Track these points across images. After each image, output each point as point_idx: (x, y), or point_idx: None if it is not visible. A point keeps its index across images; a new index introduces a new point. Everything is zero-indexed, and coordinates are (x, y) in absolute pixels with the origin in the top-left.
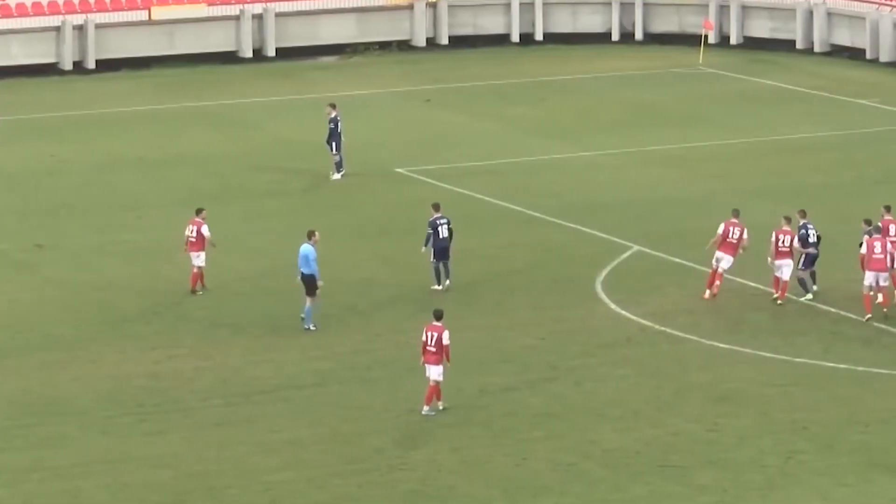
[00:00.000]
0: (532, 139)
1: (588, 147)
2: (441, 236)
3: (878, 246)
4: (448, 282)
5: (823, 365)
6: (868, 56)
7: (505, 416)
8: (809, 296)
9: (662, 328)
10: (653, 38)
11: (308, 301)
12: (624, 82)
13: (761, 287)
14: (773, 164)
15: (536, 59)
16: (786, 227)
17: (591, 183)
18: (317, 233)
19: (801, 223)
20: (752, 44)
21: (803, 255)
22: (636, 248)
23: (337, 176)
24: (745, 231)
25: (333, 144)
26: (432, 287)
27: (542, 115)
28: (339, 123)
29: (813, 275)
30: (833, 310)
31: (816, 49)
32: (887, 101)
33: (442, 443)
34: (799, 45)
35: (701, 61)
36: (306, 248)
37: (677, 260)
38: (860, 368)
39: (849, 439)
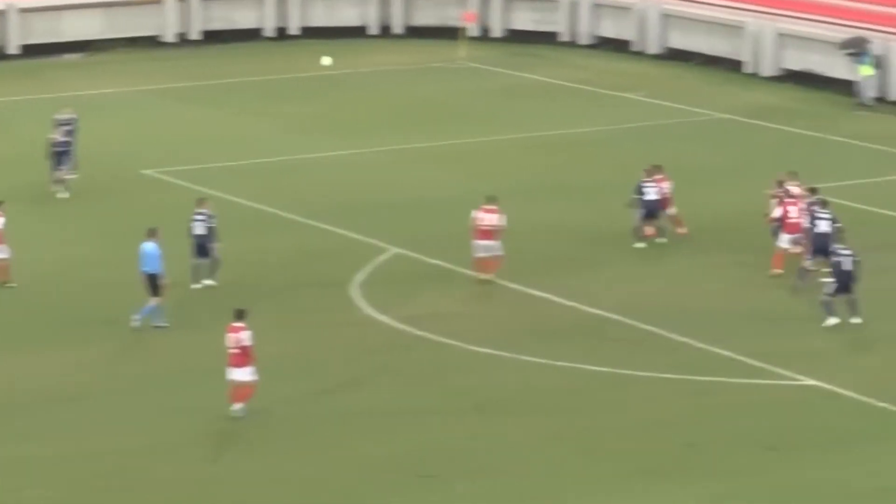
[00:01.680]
0: (288, 137)
1: (347, 145)
2: (195, 232)
3: (792, 210)
4: (210, 281)
5: (585, 368)
6: (634, 48)
7: (257, 427)
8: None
9: (422, 333)
10: (413, 32)
11: (153, 301)
12: (384, 77)
13: (523, 289)
14: (539, 161)
15: (293, 55)
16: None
17: (349, 183)
18: (159, 230)
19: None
20: (516, 36)
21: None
22: (395, 250)
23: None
24: (501, 217)
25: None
26: (192, 286)
27: (300, 112)
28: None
29: None
30: (596, 311)
31: (581, 41)
32: (654, 95)
33: (193, 454)
34: (563, 38)
35: (463, 55)
36: (149, 246)
37: (437, 262)
38: (623, 372)
39: (611, 445)
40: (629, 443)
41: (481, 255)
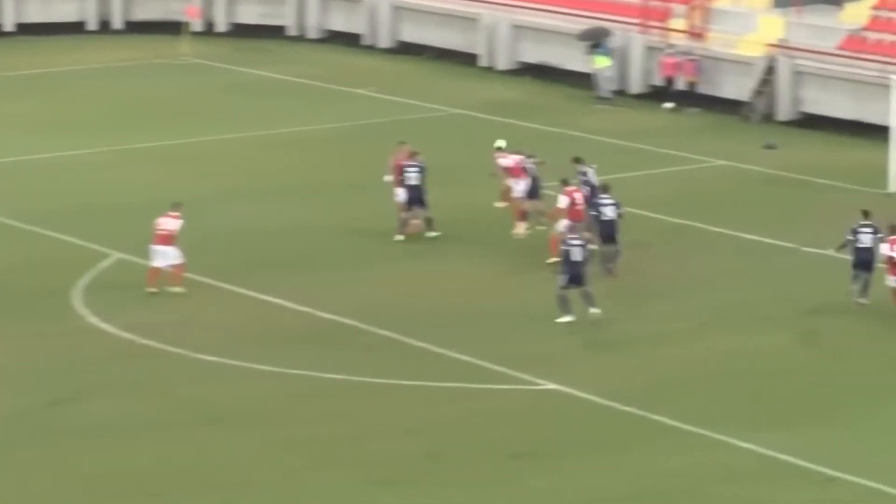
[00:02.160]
0: (4, 139)
1: (66, 146)
2: None
3: (578, 197)
4: None
5: (320, 376)
6: (365, 42)
7: None
8: None
9: (147, 342)
10: (134, 27)
11: None
12: (105, 75)
13: (254, 294)
14: (271, 160)
15: (7, 52)
16: None
17: (70, 186)
18: None
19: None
20: (241, 31)
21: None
22: (118, 255)
23: None
24: (179, 223)
25: None
26: None
27: (17, 112)
28: None
29: None
30: (331, 316)
31: (310, 35)
32: (387, 90)
33: None
34: (291, 32)
35: (186, 51)
36: None
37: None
38: (358, 379)
39: (347, 455)
40: (366, 453)
41: (158, 263)
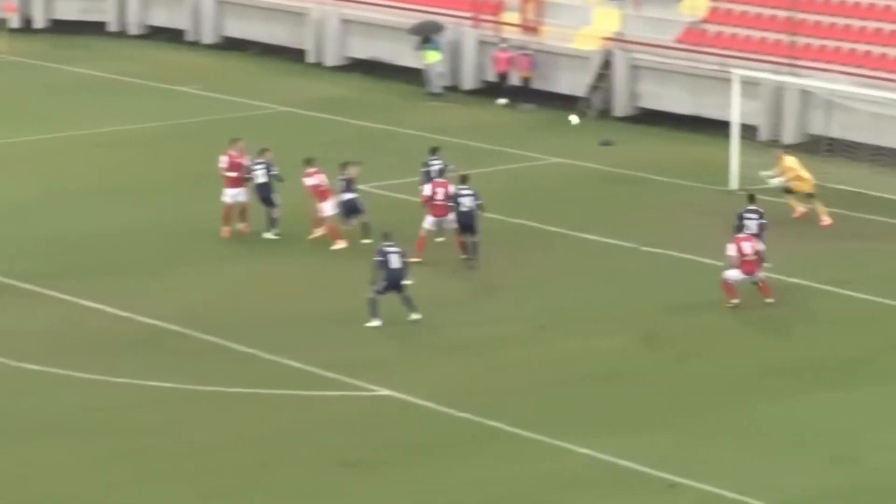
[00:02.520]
0: None
1: None
2: None
3: (440, 192)
4: None
5: (145, 384)
6: (189, 38)
7: None
8: None
9: None
10: None
11: None
12: None
13: (75, 300)
14: (89, 162)
15: None
16: None
17: None
18: None
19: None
20: (61, 27)
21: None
22: None
23: None
24: None
25: None
26: None
27: None
28: None
29: None
30: (156, 322)
31: (132, 31)
32: (211, 87)
33: None
34: (111, 28)
35: (3, 49)
36: None
37: None
38: (185, 386)
39: (174, 467)
40: (195, 464)
41: None
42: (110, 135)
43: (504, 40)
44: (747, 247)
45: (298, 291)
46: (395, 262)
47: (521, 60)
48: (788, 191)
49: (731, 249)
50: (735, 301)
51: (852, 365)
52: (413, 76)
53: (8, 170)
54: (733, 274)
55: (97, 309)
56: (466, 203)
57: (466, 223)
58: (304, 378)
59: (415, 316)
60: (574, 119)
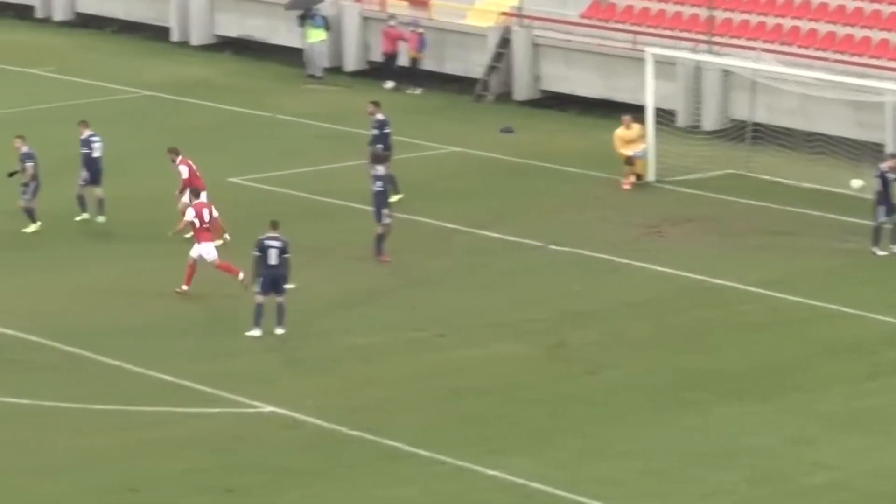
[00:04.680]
0: None
1: None
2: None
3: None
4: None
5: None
6: (39, 15)
7: None
8: None
9: None
10: None
11: None
12: None
13: None
14: None
15: None
16: None
17: None
18: None
19: None
20: None
21: None
22: None
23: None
24: None
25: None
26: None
27: None
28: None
29: None
30: (8, 331)
31: None
32: (65, 70)
33: None
34: None
35: None
36: None
37: None
38: (46, 403)
39: (32, 491)
40: (56, 487)
41: None
42: None
43: (392, 16)
44: None
45: (163, 296)
46: (273, 257)
47: (409, 38)
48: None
49: None
50: None
51: (778, 374)
52: (289, 56)
53: None
54: None
55: None
56: (376, 186)
57: (377, 205)
58: (178, 393)
59: (279, 331)
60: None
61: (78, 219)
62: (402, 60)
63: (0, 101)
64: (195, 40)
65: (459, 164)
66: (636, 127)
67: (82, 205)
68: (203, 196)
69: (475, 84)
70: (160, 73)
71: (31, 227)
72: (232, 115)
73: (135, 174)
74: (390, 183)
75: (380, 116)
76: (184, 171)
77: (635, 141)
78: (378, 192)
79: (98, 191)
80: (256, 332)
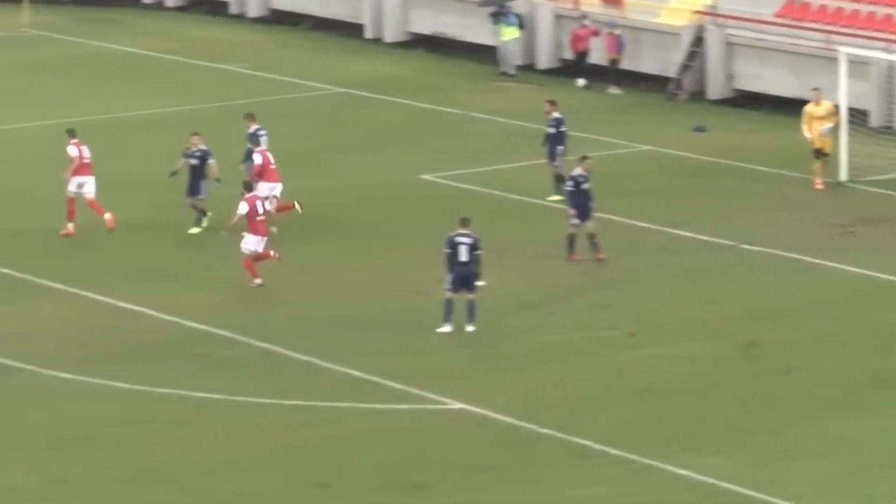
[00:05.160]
0: None
1: None
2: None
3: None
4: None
5: (193, 395)
6: (233, 10)
7: None
8: None
9: None
10: None
11: None
12: None
13: (107, 300)
14: (117, 147)
15: None
16: None
17: None
18: None
19: None
20: None
21: None
22: None
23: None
24: None
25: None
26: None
27: None
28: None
29: None
30: (197, 325)
31: (169, 3)
32: (259, 66)
33: None
34: (147, 0)
35: (25, 21)
36: None
37: (4, 270)
38: (238, 398)
39: (225, 486)
40: (249, 482)
41: None
42: (140, 119)
43: (584, 16)
44: None
45: (353, 291)
46: (463, 254)
47: (607, 40)
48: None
49: None
50: None
51: None
52: (482, 54)
53: (25, 157)
54: None
55: (137, 311)
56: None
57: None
58: (368, 389)
59: (470, 328)
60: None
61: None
62: (594, 58)
63: (193, 97)
64: (389, 37)
65: (652, 163)
66: (826, 103)
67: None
68: (275, 189)
69: (668, 83)
70: (353, 70)
71: (193, 230)
72: (424, 112)
73: (328, 170)
74: (583, 182)
75: (556, 115)
76: (257, 159)
77: (824, 118)
78: (571, 191)
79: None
80: (447, 329)
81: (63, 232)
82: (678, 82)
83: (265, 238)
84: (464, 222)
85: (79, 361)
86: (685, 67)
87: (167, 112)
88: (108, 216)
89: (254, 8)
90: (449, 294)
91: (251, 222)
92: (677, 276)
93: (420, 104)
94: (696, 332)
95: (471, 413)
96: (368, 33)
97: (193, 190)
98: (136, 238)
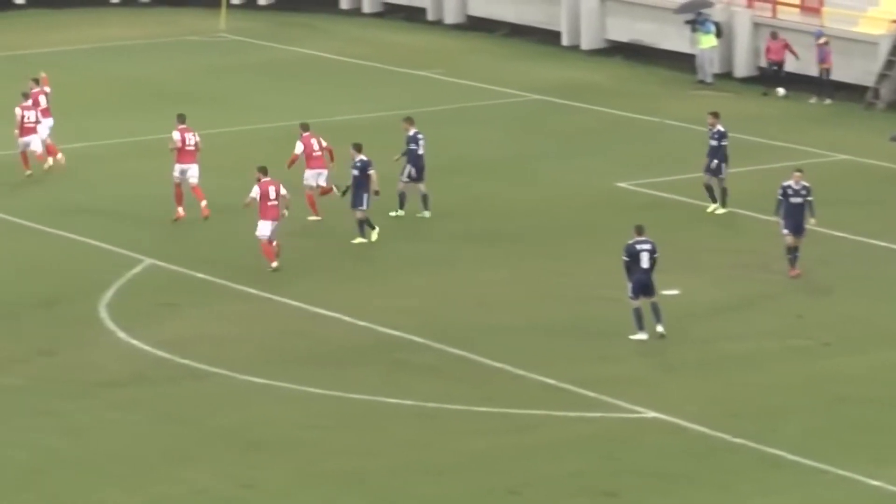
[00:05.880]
0: (4, 128)
1: (75, 137)
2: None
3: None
4: None
5: (384, 401)
6: (430, 17)
7: None
8: None
9: (183, 360)
10: (163, 0)
11: None
12: (124, 54)
13: (302, 306)
14: None
15: (17, 28)
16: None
17: (86, 181)
18: None
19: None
20: (286, 3)
21: None
22: (149, 261)
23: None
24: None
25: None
26: None
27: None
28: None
29: None
30: (389, 331)
31: (366, 9)
32: (454, 72)
33: None
34: (344, 5)
35: (223, 26)
36: None
37: (200, 275)
38: (430, 405)
39: (416, 491)
40: (438, 487)
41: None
42: (338, 125)
43: (775, 33)
44: None
45: (543, 297)
46: (645, 261)
47: (817, 51)
48: None
49: None
50: None
51: None
52: (678, 61)
53: (224, 162)
54: None
55: (329, 316)
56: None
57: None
58: (559, 396)
59: (660, 328)
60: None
61: (393, 214)
62: (793, 67)
63: (388, 103)
64: (585, 44)
65: (849, 173)
66: None
67: (402, 202)
68: (321, 175)
69: (866, 92)
70: (549, 77)
71: (357, 240)
72: (620, 119)
73: (523, 176)
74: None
75: (720, 128)
76: (298, 147)
77: None
78: (779, 200)
79: (422, 186)
80: (642, 336)
81: (174, 217)
82: (876, 91)
83: (276, 223)
84: (640, 230)
85: (271, 366)
86: (883, 77)
87: (362, 118)
88: (203, 203)
89: (450, 14)
90: (634, 302)
91: (262, 207)
92: (873, 285)
93: (616, 111)
94: (892, 342)
95: (662, 421)
96: (565, 40)
97: (356, 202)
98: (328, 241)
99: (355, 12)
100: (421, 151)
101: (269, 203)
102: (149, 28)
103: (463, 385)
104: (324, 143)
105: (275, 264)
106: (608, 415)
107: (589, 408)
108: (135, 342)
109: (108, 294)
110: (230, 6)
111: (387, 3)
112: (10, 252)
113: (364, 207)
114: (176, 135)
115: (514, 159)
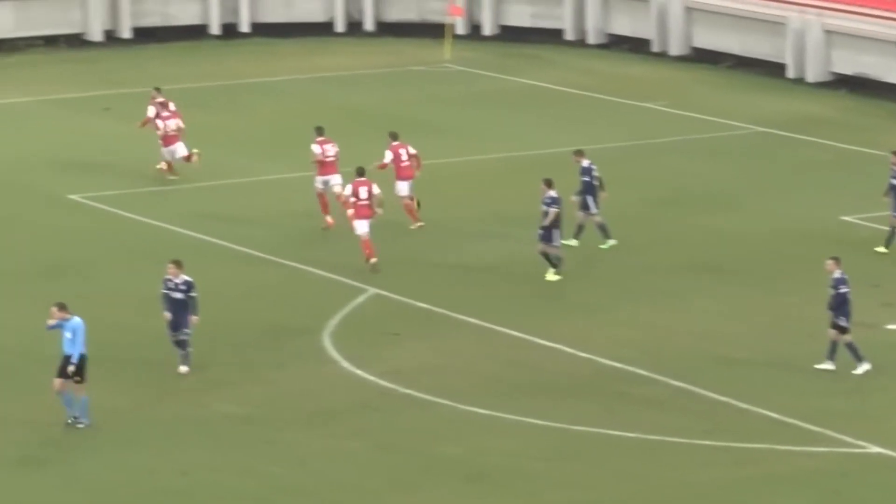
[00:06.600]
0: (232, 156)
1: (299, 165)
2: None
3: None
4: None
5: (606, 433)
6: (654, 48)
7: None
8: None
9: (407, 391)
10: (387, 29)
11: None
12: (349, 83)
13: (524, 336)
14: (534, 183)
15: (241, 56)
16: None
17: (310, 210)
18: None
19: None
20: (511, 34)
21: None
22: (373, 290)
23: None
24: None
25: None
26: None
27: (243, 125)
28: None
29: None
30: (610, 362)
31: (590, 40)
32: (678, 104)
33: None
34: (568, 36)
35: (447, 56)
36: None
37: (423, 305)
38: (652, 437)
39: None
40: None
41: None
42: (559, 157)
43: None
44: None
45: (770, 331)
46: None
47: None
48: None
49: None
50: None
51: None
52: None
53: (445, 192)
54: None
55: (551, 347)
56: None
57: None
58: (783, 430)
59: (863, 367)
60: None
61: (604, 246)
62: None
63: (610, 135)
64: (811, 77)
65: None
66: None
67: (605, 231)
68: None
69: None
70: (774, 109)
71: (551, 274)
72: (845, 152)
73: (747, 209)
74: None
75: None
76: (387, 157)
77: None
78: None
79: (598, 217)
80: (865, 367)
81: (323, 226)
82: None
83: (369, 220)
84: (837, 261)
85: (493, 396)
86: None
87: (586, 149)
88: (329, 219)
89: (675, 46)
90: (833, 334)
91: (356, 206)
92: None
93: (841, 144)
94: None
95: (888, 457)
96: (790, 73)
97: (545, 237)
98: (533, 272)
99: (580, 44)
100: (595, 183)
101: (360, 203)
102: (373, 58)
103: (686, 418)
104: (412, 151)
105: (374, 260)
106: (833, 450)
107: (813, 442)
108: (359, 372)
109: (333, 323)
110: (455, 37)
111: (612, 35)
112: (236, 280)
113: (555, 244)
114: (316, 148)
115: (738, 191)
